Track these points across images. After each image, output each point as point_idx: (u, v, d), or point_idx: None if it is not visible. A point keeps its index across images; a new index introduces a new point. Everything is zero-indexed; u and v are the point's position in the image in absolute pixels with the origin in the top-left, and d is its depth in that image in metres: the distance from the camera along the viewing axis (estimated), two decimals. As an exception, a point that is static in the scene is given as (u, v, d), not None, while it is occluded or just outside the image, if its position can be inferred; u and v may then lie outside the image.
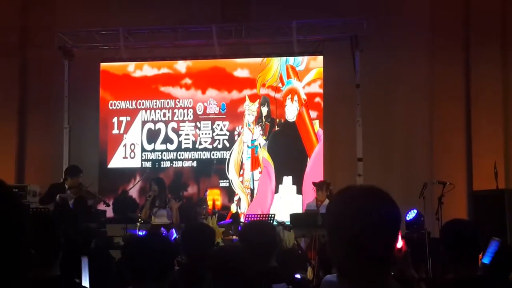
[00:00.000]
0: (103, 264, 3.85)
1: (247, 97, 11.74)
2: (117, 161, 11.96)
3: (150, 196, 10.17)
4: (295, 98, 11.58)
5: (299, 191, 11.28)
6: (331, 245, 1.86)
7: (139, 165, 11.89)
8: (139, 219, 9.75)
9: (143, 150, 11.93)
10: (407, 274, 2.84)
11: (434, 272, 8.57)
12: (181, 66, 12.02)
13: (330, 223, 1.87)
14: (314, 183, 10.04)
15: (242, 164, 11.66)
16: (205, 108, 11.85)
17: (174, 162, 11.86)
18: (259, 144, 11.63)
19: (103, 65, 12.17)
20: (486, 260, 3.44)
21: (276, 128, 11.63)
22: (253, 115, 11.71)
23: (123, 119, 12.00)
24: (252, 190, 11.55)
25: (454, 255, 3.24)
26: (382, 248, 1.80)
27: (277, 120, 11.64)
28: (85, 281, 3.24)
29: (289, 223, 9.27)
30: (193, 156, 11.84)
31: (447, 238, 3.31)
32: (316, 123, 11.48)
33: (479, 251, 3.29)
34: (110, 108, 12.04)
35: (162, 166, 11.86)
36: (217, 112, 11.82)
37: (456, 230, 3.34)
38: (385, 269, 1.83)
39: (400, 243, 2.64)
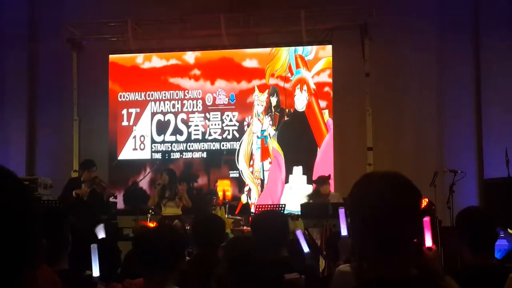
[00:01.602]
0: (110, 255, 3.84)
1: (256, 88, 11.72)
2: (127, 153, 11.98)
3: (159, 184, 10.19)
4: (304, 87, 11.55)
5: (309, 181, 11.25)
6: (352, 232, 1.85)
7: (149, 157, 11.91)
8: (150, 211, 9.77)
9: (153, 141, 11.94)
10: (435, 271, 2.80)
11: (446, 261, 8.52)
12: (190, 57, 12.01)
13: (350, 211, 1.86)
14: (314, 181, 10.03)
15: (252, 155, 11.65)
16: (214, 98, 11.84)
17: (184, 153, 11.86)
18: (269, 134, 11.61)
19: (112, 57, 12.17)
20: (497, 255, 3.43)
21: (286, 118, 11.61)
22: (262, 105, 11.69)
23: (132, 110, 12.01)
24: (262, 181, 11.55)
25: (468, 243, 3.21)
26: (400, 234, 1.78)
27: (287, 110, 11.61)
28: (95, 269, 3.22)
29: (297, 213, 9.25)
30: (203, 147, 11.84)
31: (462, 226, 3.29)
32: (326, 112, 11.45)
33: (494, 239, 3.26)
34: (119, 100, 12.06)
35: (172, 157, 11.87)
36: (226, 102, 11.81)
37: (471, 217, 3.31)
38: (405, 255, 1.81)
39: (430, 242, 2.61)
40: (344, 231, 3.80)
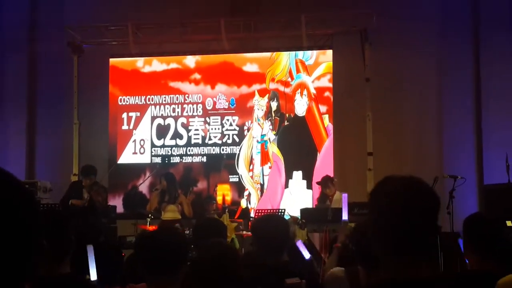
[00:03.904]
0: (112, 259, 3.83)
1: (256, 92, 11.72)
2: (126, 157, 11.97)
3: (157, 189, 10.16)
4: (305, 92, 11.55)
5: (309, 186, 11.25)
6: (372, 235, 1.86)
7: (148, 161, 11.90)
8: (150, 215, 9.74)
9: (153, 145, 11.93)
10: None
11: (445, 267, 8.51)
12: (190, 61, 12.01)
13: (370, 215, 1.88)
14: (318, 183, 10.03)
15: (251, 159, 11.64)
16: (215, 103, 11.83)
17: (183, 157, 11.85)
18: (269, 139, 11.61)
19: (112, 60, 12.17)
20: None
21: (286, 123, 11.60)
22: (262, 110, 11.68)
23: (133, 114, 12.01)
24: (262, 185, 11.54)
25: (475, 250, 3.21)
26: (418, 236, 1.81)
27: (287, 115, 11.61)
28: (93, 272, 3.20)
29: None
30: (203, 151, 11.83)
31: (469, 233, 3.28)
32: (326, 117, 11.45)
33: (501, 246, 3.24)
34: (120, 103, 12.05)
35: (171, 161, 11.86)
36: (226, 107, 11.81)
37: (477, 224, 3.30)
38: (421, 257, 1.83)
39: None
40: (345, 216, 3.86)
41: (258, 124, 11.68)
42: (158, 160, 11.88)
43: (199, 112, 11.87)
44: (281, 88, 11.67)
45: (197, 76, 11.94)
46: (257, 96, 11.70)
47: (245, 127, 11.72)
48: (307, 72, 11.59)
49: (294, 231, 7.28)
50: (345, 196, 3.76)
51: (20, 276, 1.28)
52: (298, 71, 11.63)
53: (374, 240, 1.87)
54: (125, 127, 12.02)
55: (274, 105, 11.65)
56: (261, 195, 11.50)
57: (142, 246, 2.96)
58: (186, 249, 2.96)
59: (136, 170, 11.91)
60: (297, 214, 9.62)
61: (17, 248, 1.27)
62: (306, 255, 3.91)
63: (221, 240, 3.32)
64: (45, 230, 2.97)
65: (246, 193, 11.56)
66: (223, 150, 11.76)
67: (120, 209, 11.44)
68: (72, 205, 9.35)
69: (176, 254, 2.85)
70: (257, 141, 11.66)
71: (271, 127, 11.63)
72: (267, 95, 11.68)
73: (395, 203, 1.81)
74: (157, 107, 11.97)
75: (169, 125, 11.93)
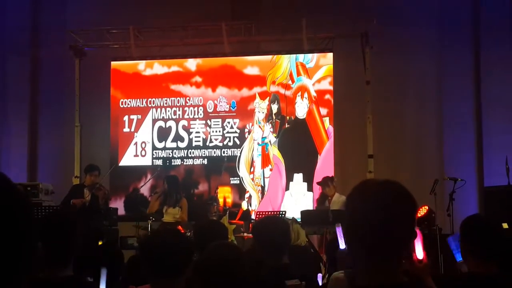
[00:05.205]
0: (113, 261, 3.85)
1: (257, 95, 11.75)
2: (128, 159, 11.99)
3: (156, 192, 10.21)
4: (305, 95, 11.58)
5: (310, 188, 11.28)
6: (348, 239, 1.86)
7: (150, 163, 11.93)
8: (151, 217, 9.78)
9: (154, 148, 11.96)
10: (425, 283, 2.82)
11: (445, 269, 8.55)
12: (191, 64, 12.05)
13: (346, 219, 1.86)
14: (318, 183, 10.06)
15: (252, 162, 11.67)
16: (216, 106, 11.87)
17: (184, 160, 11.88)
18: (270, 141, 11.64)
19: (114, 63, 12.20)
20: None
21: (286, 126, 11.63)
22: (263, 112, 11.72)
23: (134, 117, 12.04)
24: (262, 188, 11.57)
25: (471, 251, 3.21)
26: (393, 242, 1.79)
27: (287, 118, 11.64)
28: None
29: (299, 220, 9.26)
30: (204, 154, 11.86)
31: (466, 234, 3.28)
32: (326, 120, 11.48)
33: (497, 248, 3.25)
34: (121, 106, 12.09)
35: (173, 164, 11.88)
36: (227, 109, 11.84)
37: (474, 225, 3.30)
38: (396, 264, 1.81)
39: (421, 255, 2.63)
40: (342, 245, 3.82)
41: (259, 126, 11.71)
42: (159, 162, 11.91)
43: (200, 114, 11.90)
44: (282, 90, 11.70)
45: (198, 79, 11.98)
46: (258, 98, 11.74)
47: (246, 130, 11.75)
48: (308, 75, 11.62)
49: (297, 229, 7.30)
50: (339, 229, 3.70)
51: (13, 280, 1.27)
52: (298, 74, 11.66)
53: (349, 244, 1.85)
54: (126, 129, 12.05)
55: (274, 107, 11.69)
56: (262, 197, 11.53)
57: (147, 247, 2.96)
58: (191, 251, 2.97)
59: (137, 172, 11.94)
60: (297, 216, 9.65)
61: (9, 251, 1.25)
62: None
63: (226, 242, 3.33)
64: (51, 233, 2.99)
65: (247, 195, 11.59)
66: (224, 152, 11.79)
67: (121, 211, 11.48)
68: (73, 204, 9.37)
69: (181, 256, 2.86)
70: (258, 144, 11.69)
71: (271, 129, 11.67)
72: (267, 98, 11.72)
73: (370, 205, 1.78)
74: (158, 109, 12.01)
75: (170, 127, 11.96)
